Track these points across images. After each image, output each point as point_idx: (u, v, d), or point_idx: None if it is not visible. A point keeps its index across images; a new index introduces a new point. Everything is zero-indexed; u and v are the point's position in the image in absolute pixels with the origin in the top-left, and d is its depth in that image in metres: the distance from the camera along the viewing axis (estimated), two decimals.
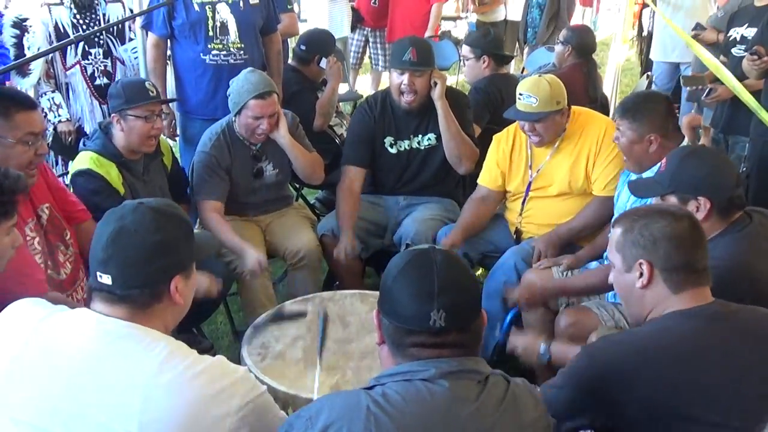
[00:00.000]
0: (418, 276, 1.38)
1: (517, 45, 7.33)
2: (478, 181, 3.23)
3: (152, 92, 2.78)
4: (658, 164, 2.31)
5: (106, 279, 1.42)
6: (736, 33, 3.86)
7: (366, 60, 7.27)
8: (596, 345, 1.72)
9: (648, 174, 2.50)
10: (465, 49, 4.04)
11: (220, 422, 1.35)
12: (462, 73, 4.21)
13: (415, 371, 1.34)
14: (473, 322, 1.40)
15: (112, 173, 2.73)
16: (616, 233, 1.74)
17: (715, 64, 3.31)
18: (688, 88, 4.50)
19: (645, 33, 6.39)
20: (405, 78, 3.17)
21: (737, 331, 1.62)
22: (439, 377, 1.33)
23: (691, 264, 1.64)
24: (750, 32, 3.73)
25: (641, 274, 1.67)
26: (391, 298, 1.40)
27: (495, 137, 3.21)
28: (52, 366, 1.38)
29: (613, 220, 1.97)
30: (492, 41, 3.98)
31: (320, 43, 4.05)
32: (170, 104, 3.75)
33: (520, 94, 2.91)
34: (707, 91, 3.90)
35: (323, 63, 3.97)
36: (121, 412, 1.32)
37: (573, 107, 3.03)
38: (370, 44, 6.91)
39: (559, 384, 1.68)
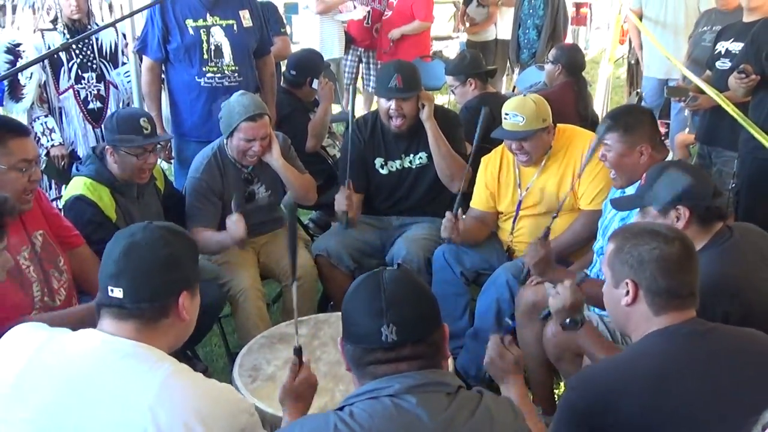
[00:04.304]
0: (367, 295, 1.42)
1: (507, 64, 7.39)
2: (471, 204, 3.25)
3: (146, 130, 2.78)
4: None
5: (117, 292, 1.46)
6: (721, 47, 3.91)
7: (359, 80, 7.30)
8: (580, 377, 1.73)
9: (630, 191, 2.53)
10: (449, 80, 4.10)
11: None
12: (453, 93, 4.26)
13: (380, 388, 1.36)
14: (429, 334, 1.42)
15: (105, 198, 2.74)
16: (609, 248, 1.77)
17: (698, 80, 3.36)
18: (673, 100, 4.56)
19: (629, 53, 6.46)
20: (392, 104, 3.21)
21: (713, 348, 1.63)
22: (404, 392, 1.34)
23: (675, 289, 1.66)
24: (735, 47, 3.78)
25: (627, 293, 1.69)
26: (347, 321, 1.45)
27: (483, 159, 3.24)
28: (57, 384, 1.40)
29: (609, 234, 1.98)
30: (470, 63, 4.02)
31: (310, 65, 4.07)
32: (165, 126, 3.77)
33: (506, 114, 2.94)
34: (689, 98, 3.97)
35: (315, 84, 4.00)
36: (127, 428, 1.33)
37: (558, 125, 3.07)
38: (363, 64, 6.96)
39: (554, 428, 1.69)
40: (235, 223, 2.91)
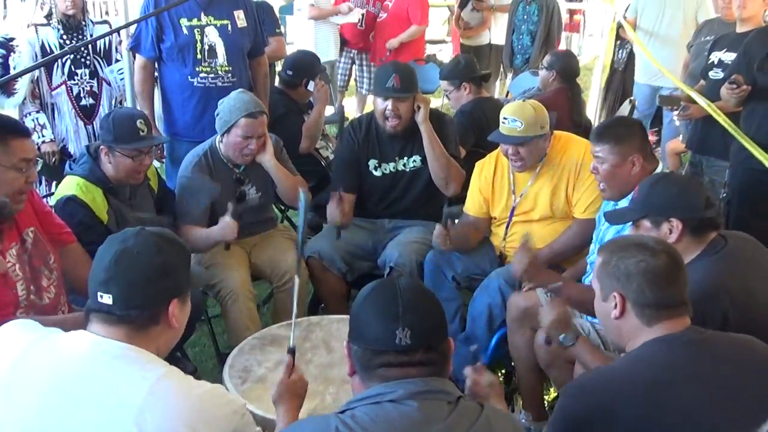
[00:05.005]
0: (383, 300, 1.45)
1: (501, 69, 7.40)
2: (464, 209, 3.25)
3: (142, 132, 2.75)
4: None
5: (107, 299, 1.46)
6: (714, 57, 3.94)
7: (352, 82, 7.30)
8: (576, 384, 1.73)
9: (624, 203, 2.54)
10: (444, 84, 4.11)
11: None
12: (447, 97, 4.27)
13: (383, 393, 1.38)
14: (440, 343, 1.44)
15: (97, 199, 2.72)
16: (597, 261, 1.78)
17: (690, 90, 3.39)
18: (665, 108, 4.59)
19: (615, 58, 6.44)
20: (389, 104, 3.21)
21: (711, 356, 1.64)
22: (407, 398, 1.36)
23: (664, 301, 1.67)
24: (727, 57, 3.82)
25: (615, 306, 1.70)
26: (359, 323, 1.46)
27: (477, 164, 3.24)
28: (45, 385, 1.40)
29: (597, 248, 1.99)
30: (465, 67, 4.04)
31: (306, 66, 4.07)
32: (158, 126, 3.75)
33: (505, 118, 2.95)
34: (681, 107, 4.00)
35: (311, 86, 3.99)
36: (113, 429, 1.33)
37: (554, 132, 3.07)
38: (356, 66, 6.96)
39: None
40: (230, 226, 2.93)
